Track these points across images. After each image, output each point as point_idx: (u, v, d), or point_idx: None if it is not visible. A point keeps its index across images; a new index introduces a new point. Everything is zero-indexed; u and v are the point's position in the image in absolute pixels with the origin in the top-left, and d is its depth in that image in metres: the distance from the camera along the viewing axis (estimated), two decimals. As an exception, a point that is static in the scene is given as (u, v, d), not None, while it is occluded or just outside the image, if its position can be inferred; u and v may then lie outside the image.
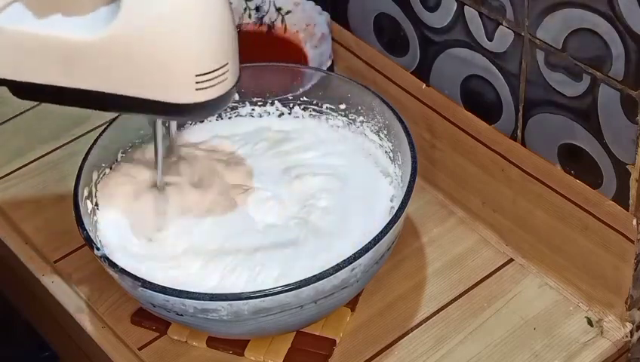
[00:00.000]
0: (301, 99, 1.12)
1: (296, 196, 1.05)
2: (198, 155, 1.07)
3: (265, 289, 0.90)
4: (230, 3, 0.89)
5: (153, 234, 1.01)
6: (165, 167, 1.03)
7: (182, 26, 0.86)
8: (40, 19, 0.89)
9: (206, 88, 0.88)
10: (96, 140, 1.05)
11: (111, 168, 1.06)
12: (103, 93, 0.89)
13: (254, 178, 1.06)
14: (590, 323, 1.01)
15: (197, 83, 0.87)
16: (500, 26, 0.97)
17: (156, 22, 0.86)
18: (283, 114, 1.13)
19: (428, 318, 1.03)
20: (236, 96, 1.12)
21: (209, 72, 0.87)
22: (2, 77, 0.91)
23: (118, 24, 0.86)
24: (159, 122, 0.98)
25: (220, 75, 0.88)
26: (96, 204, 1.03)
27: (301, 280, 0.90)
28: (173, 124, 1.05)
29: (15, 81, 0.91)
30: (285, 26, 1.26)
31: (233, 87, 0.91)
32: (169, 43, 0.86)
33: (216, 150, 1.09)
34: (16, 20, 0.89)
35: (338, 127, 1.10)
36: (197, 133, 1.11)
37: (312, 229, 1.01)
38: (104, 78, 0.89)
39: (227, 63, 0.88)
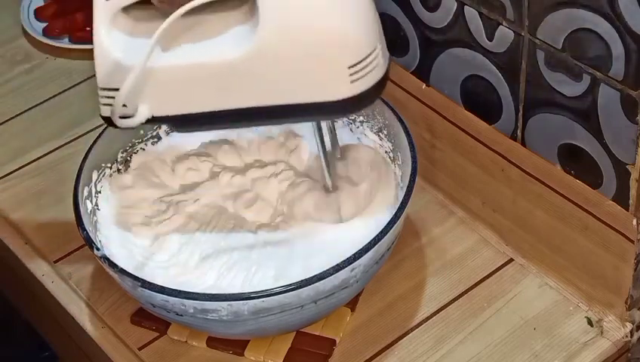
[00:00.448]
0: (301, 99, 1.12)
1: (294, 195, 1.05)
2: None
3: (265, 289, 0.90)
4: None
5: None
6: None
7: (323, 21, 0.83)
8: (177, 52, 0.87)
9: (361, 78, 0.85)
10: (96, 140, 1.05)
11: (110, 168, 1.06)
12: (263, 107, 0.87)
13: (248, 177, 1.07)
14: (590, 323, 1.01)
15: (351, 75, 0.85)
16: (500, 26, 0.97)
17: (296, 24, 0.83)
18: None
19: (428, 318, 1.03)
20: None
21: (361, 61, 0.85)
22: (164, 114, 0.89)
23: (261, 34, 0.84)
24: (323, 125, 0.96)
25: (372, 62, 0.85)
26: (97, 204, 1.03)
27: (301, 280, 0.90)
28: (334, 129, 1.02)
29: (177, 116, 0.90)
30: (285, 25, 1.26)
31: (387, 71, 0.88)
32: (313, 42, 0.83)
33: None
34: (163, 57, 0.87)
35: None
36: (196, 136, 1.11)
37: (311, 229, 1.01)
38: (260, 92, 0.87)
39: (377, 47, 0.86)
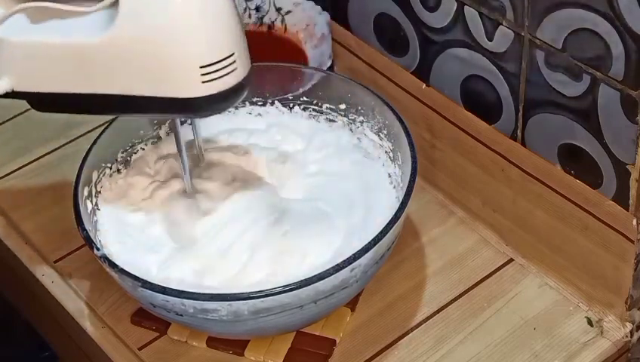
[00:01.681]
0: (301, 99, 1.12)
1: (294, 195, 1.05)
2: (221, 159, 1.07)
3: (265, 289, 0.90)
4: None
5: (187, 241, 1.01)
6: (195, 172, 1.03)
7: (180, 18, 0.85)
8: (42, 28, 0.89)
9: (213, 80, 0.87)
10: (96, 140, 1.05)
11: (110, 168, 1.06)
12: (116, 95, 0.89)
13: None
14: (590, 323, 1.01)
15: (202, 75, 0.86)
16: (500, 26, 0.97)
17: (155, 17, 0.85)
18: (283, 113, 1.13)
19: (428, 318, 1.03)
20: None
21: (214, 63, 0.86)
22: (18, 90, 0.92)
23: (119, 23, 0.86)
24: (177, 123, 0.97)
25: (226, 66, 0.87)
26: (97, 204, 1.03)
27: (301, 280, 0.90)
28: (198, 130, 1.03)
29: (30, 93, 0.92)
30: (285, 26, 1.26)
31: (244, 78, 0.89)
32: (169, 37, 0.86)
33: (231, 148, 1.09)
34: (20, 31, 0.89)
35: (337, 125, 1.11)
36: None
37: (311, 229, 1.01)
38: (113, 80, 0.89)
39: (233, 53, 0.87)
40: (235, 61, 0.88)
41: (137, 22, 0.86)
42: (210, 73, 0.87)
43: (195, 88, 0.87)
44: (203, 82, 0.87)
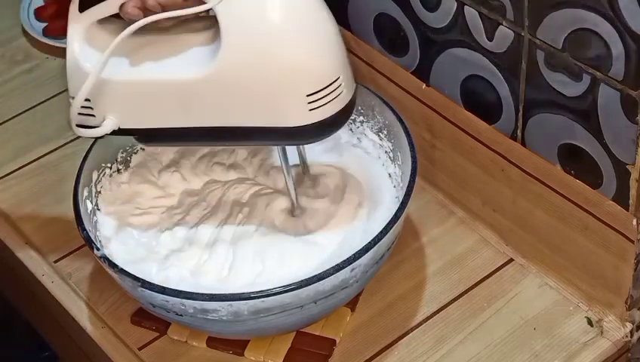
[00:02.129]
0: (301, 99, 1.12)
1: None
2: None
3: (265, 289, 0.90)
4: (331, 15, 0.86)
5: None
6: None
7: (285, 48, 0.84)
8: (143, 66, 0.89)
9: (320, 107, 0.86)
10: (96, 140, 1.05)
11: (110, 168, 1.06)
12: (223, 128, 0.89)
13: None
14: (590, 323, 1.01)
15: (309, 103, 0.86)
16: (500, 26, 0.97)
17: (258, 49, 0.84)
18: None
19: (428, 318, 1.03)
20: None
21: (320, 90, 0.86)
22: (124, 127, 0.92)
23: (222, 56, 0.85)
24: (284, 150, 0.97)
25: (332, 91, 0.86)
26: (97, 204, 1.04)
27: (301, 280, 0.90)
28: (304, 150, 1.03)
29: (137, 130, 0.92)
30: (285, 26, 1.26)
31: (351, 100, 0.88)
32: (274, 67, 0.84)
33: None
34: (121, 70, 0.89)
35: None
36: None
37: (311, 229, 1.01)
38: (219, 113, 0.88)
39: (339, 78, 0.86)
40: (340, 85, 0.87)
41: (241, 54, 0.85)
42: (316, 100, 0.86)
43: (302, 117, 0.86)
44: (310, 110, 0.86)
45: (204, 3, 0.85)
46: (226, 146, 1.07)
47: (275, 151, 1.01)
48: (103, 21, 0.90)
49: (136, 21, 0.86)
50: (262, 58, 0.85)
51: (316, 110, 0.86)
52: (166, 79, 0.89)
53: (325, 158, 1.08)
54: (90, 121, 0.93)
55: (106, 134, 0.93)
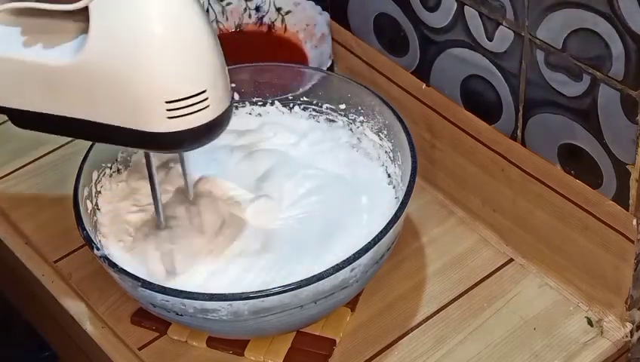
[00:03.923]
0: (301, 99, 1.12)
1: (293, 197, 1.05)
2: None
3: (265, 289, 0.90)
4: (213, 29, 0.85)
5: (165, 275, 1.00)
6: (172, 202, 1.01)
7: (148, 49, 0.83)
8: (17, 43, 0.89)
9: (180, 116, 0.84)
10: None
11: (110, 168, 1.06)
12: (82, 120, 0.88)
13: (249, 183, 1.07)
14: (590, 323, 1.01)
15: (168, 110, 0.84)
16: (500, 26, 0.97)
17: (122, 45, 0.83)
18: (283, 113, 1.13)
19: (428, 318, 1.03)
20: (236, 96, 1.13)
21: (181, 99, 0.83)
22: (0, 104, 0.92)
23: (88, 48, 0.84)
24: (151, 157, 0.95)
25: (196, 103, 0.84)
26: (97, 204, 1.04)
27: (301, 280, 0.90)
28: (185, 164, 1.00)
29: (10, 109, 0.92)
30: (285, 26, 1.27)
31: (219, 116, 0.86)
32: (136, 67, 0.83)
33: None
34: (5, 46, 0.89)
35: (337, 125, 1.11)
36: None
37: (311, 230, 1.01)
38: (80, 105, 0.87)
39: (205, 90, 0.84)
40: (207, 98, 0.84)
41: (105, 49, 0.84)
42: (177, 109, 0.84)
43: (160, 123, 0.84)
44: (169, 117, 0.84)
45: None
46: (95, 142, 1.03)
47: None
48: None
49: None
50: (126, 56, 0.83)
51: (176, 119, 0.84)
52: (31, 60, 0.88)
53: (323, 160, 1.08)
54: None
55: None
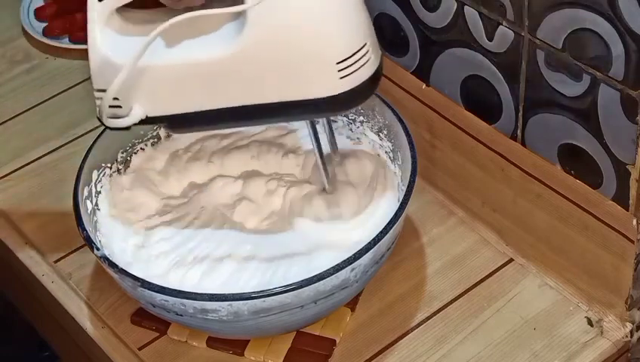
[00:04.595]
0: (301, 99, 1.12)
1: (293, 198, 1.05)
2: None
3: (265, 289, 0.90)
4: None
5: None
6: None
7: (309, 16, 0.84)
8: (167, 50, 0.88)
9: (350, 74, 0.86)
10: (96, 140, 1.05)
11: (110, 168, 1.06)
12: (254, 105, 0.88)
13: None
14: (590, 323, 1.01)
15: (339, 71, 0.85)
16: (500, 26, 0.97)
17: (283, 19, 0.84)
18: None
19: (428, 318, 1.03)
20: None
21: (349, 57, 0.85)
22: (152, 115, 0.90)
23: (248, 34, 0.85)
24: (314, 125, 0.96)
25: (360, 58, 0.86)
26: (97, 204, 1.04)
27: (301, 280, 0.90)
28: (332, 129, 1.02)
29: (170, 116, 0.90)
30: (285, 25, 1.26)
31: (379, 67, 0.88)
32: (301, 37, 0.84)
33: None
34: (154, 57, 0.87)
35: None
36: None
37: (311, 230, 1.01)
38: (250, 91, 0.87)
39: (366, 44, 0.86)
40: (368, 51, 0.86)
41: (266, 27, 0.84)
42: (347, 68, 0.85)
43: (334, 85, 0.86)
44: (341, 77, 0.85)
45: None
46: (258, 125, 1.05)
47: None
48: (121, 10, 0.89)
49: (171, 10, 0.85)
50: (288, 30, 0.84)
51: (347, 78, 0.86)
52: (191, 61, 0.87)
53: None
54: (117, 111, 0.90)
55: (134, 124, 0.91)
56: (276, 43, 0.85)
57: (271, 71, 0.86)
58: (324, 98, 0.86)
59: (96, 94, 0.90)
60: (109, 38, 0.89)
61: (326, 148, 1.01)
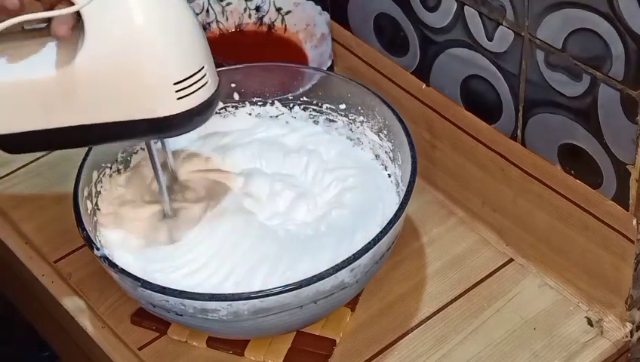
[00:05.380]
0: (301, 99, 1.12)
1: (293, 198, 1.05)
2: (195, 177, 1.06)
3: (265, 289, 0.90)
4: (192, 9, 0.88)
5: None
6: (170, 194, 1.02)
7: (147, 38, 0.85)
8: (12, 68, 0.89)
9: (188, 95, 0.88)
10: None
11: (110, 168, 1.06)
12: (90, 125, 0.89)
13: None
14: (590, 323, 1.01)
15: (177, 92, 0.87)
16: (500, 26, 0.97)
17: (121, 40, 0.85)
18: (283, 114, 1.13)
19: (428, 318, 1.03)
20: (236, 96, 1.13)
21: (187, 78, 0.87)
22: None
23: (86, 52, 0.86)
24: (153, 147, 0.97)
25: (198, 80, 0.88)
26: (97, 204, 1.03)
27: (301, 280, 0.90)
28: (170, 153, 1.02)
29: (5, 135, 0.90)
30: (285, 26, 1.26)
31: (215, 91, 0.90)
32: (139, 57, 0.86)
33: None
34: None
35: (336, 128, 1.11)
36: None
37: (311, 230, 1.01)
38: (85, 110, 0.88)
39: (203, 67, 0.88)
40: (205, 74, 0.88)
41: (103, 45, 0.86)
42: (184, 89, 0.87)
43: (171, 106, 0.88)
44: (178, 98, 0.87)
45: (73, 4, 0.85)
46: (96, 145, 1.03)
47: None
48: None
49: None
50: (127, 49, 0.86)
51: (184, 99, 0.88)
52: (26, 78, 0.88)
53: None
54: None
55: None
56: (116, 63, 0.86)
57: (108, 89, 0.87)
58: (162, 118, 0.88)
59: None
60: None
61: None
